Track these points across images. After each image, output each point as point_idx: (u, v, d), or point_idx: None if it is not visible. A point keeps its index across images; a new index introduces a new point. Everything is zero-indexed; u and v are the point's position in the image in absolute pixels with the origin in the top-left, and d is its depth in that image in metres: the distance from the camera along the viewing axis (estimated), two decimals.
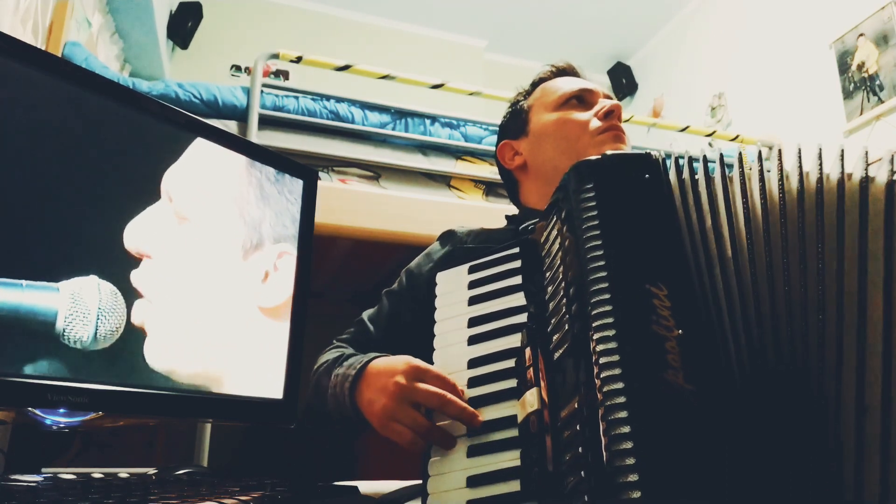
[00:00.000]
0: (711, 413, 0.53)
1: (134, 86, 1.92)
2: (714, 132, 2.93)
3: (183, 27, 3.86)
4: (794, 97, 3.28)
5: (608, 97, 1.10)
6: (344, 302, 2.62)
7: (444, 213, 1.97)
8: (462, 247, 1.04)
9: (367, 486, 1.01)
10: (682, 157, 0.67)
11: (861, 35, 2.91)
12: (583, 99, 1.09)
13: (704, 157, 0.66)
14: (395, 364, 0.78)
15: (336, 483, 0.99)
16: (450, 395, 0.71)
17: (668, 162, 0.67)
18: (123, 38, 3.28)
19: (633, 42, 4.74)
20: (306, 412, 0.97)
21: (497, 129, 1.25)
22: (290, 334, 1.10)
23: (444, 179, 2.21)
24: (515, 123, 1.16)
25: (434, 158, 2.22)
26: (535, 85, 1.18)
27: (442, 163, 2.22)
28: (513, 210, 1.19)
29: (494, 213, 1.64)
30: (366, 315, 1.08)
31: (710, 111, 3.98)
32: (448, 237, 1.10)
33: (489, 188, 2.24)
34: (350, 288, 2.51)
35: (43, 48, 1.39)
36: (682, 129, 2.82)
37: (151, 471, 0.95)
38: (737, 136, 2.88)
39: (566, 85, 1.11)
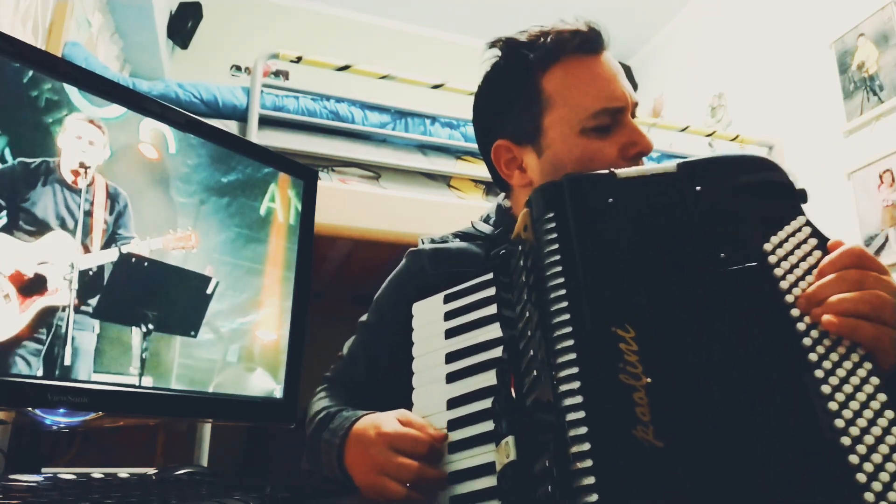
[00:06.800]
0: (682, 474, 0.50)
1: (134, 86, 1.92)
2: (714, 132, 2.93)
3: (183, 27, 3.86)
4: (794, 97, 3.28)
5: (634, 108, 0.92)
6: (344, 302, 2.61)
7: (444, 212, 1.97)
8: (435, 272, 0.96)
9: None
10: (650, 176, 0.63)
11: (861, 35, 2.91)
12: (615, 120, 0.88)
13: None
14: (368, 431, 0.75)
15: (336, 483, 0.99)
16: (422, 472, 0.68)
17: (632, 182, 0.63)
18: (123, 38, 3.27)
19: (633, 42, 4.73)
20: (305, 468, 0.94)
21: None
22: (290, 334, 1.10)
23: (443, 179, 2.21)
24: (526, 118, 0.91)
25: (434, 158, 2.22)
26: (551, 53, 0.91)
27: (442, 163, 2.22)
28: None
29: None
30: (346, 349, 1.04)
31: (710, 111, 3.97)
32: (414, 258, 1.01)
33: (489, 188, 2.23)
34: (350, 288, 2.51)
35: (43, 48, 1.38)
36: (683, 129, 2.81)
37: (151, 471, 0.95)
38: (737, 136, 2.88)
39: (596, 94, 0.88)
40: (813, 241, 0.61)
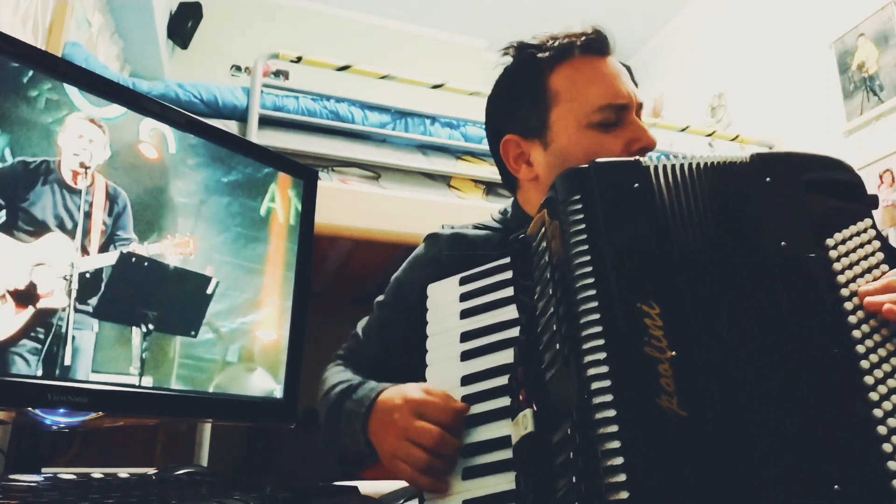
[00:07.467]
0: (706, 442, 0.52)
1: (134, 86, 1.92)
2: (714, 132, 2.93)
3: (183, 27, 3.85)
4: (794, 97, 3.28)
5: (639, 108, 0.96)
6: (344, 302, 2.61)
7: (444, 212, 1.97)
8: (451, 254, 0.99)
9: (367, 486, 1.01)
10: (674, 163, 0.65)
11: (861, 35, 2.91)
12: (619, 117, 0.92)
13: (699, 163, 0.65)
14: (395, 399, 0.77)
15: (336, 483, 1.00)
16: (443, 438, 0.69)
17: (657, 169, 0.65)
18: (123, 38, 3.27)
19: (633, 42, 4.73)
20: (324, 440, 0.95)
21: None
22: (290, 334, 1.10)
23: (443, 179, 2.21)
24: (534, 113, 0.95)
25: (434, 158, 2.22)
26: (559, 53, 0.96)
27: (442, 163, 2.22)
28: None
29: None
30: (360, 327, 1.05)
31: (710, 111, 3.97)
32: (433, 241, 1.03)
33: (489, 188, 2.23)
34: (350, 288, 2.51)
35: (43, 48, 1.39)
36: (683, 129, 2.81)
37: (151, 471, 0.95)
38: (737, 136, 2.88)
39: (601, 90, 0.92)
40: (876, 244, 0.62)
